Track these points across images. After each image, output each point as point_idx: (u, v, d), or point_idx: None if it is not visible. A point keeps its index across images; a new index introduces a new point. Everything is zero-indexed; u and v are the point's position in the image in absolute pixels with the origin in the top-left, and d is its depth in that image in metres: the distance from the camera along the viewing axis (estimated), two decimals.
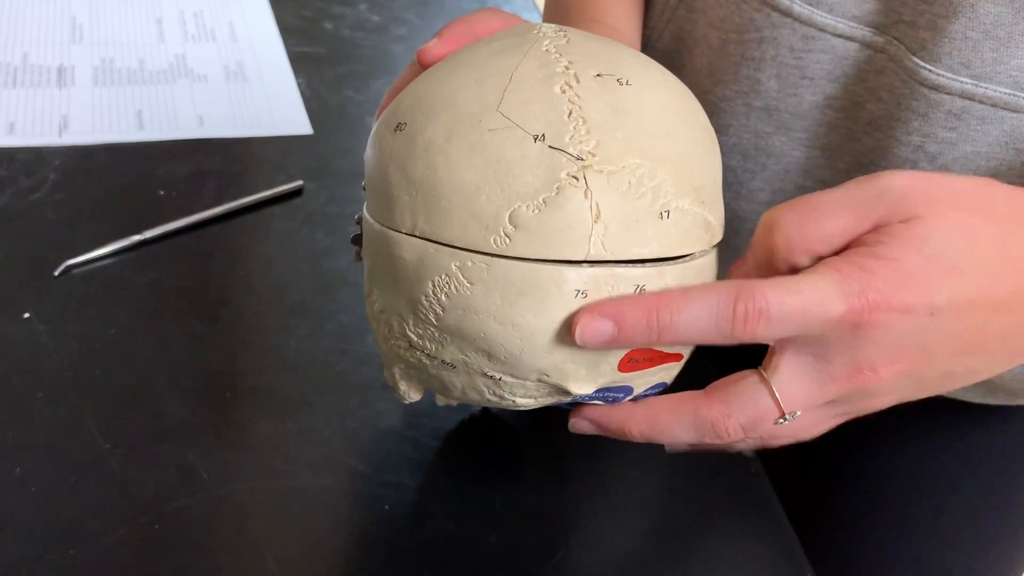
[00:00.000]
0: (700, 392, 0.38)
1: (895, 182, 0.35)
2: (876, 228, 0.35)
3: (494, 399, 0.39)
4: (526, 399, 0.39)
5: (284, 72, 0.79)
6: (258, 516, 0.47)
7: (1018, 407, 0.59)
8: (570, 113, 0.35)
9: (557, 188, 0.34)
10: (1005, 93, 0.45)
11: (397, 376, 0.42)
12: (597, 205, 0.34)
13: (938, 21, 0.45)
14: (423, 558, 0.46)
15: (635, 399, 0.40)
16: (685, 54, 0.58)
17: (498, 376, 0.37)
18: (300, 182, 0.67)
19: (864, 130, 0.50)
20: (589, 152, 0.34)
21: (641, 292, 0.35)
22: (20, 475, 0.46)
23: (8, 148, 0.66)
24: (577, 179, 0.34)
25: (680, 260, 0.36)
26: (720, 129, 0.55)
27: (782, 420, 0.37)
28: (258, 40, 0.83)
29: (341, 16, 0.88)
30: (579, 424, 0.41)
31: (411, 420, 0.52)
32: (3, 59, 0.75)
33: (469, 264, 0.35)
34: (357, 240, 0.43)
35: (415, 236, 0.36)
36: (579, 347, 0.35)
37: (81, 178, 0.65)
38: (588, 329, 0.34)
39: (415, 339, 0.38)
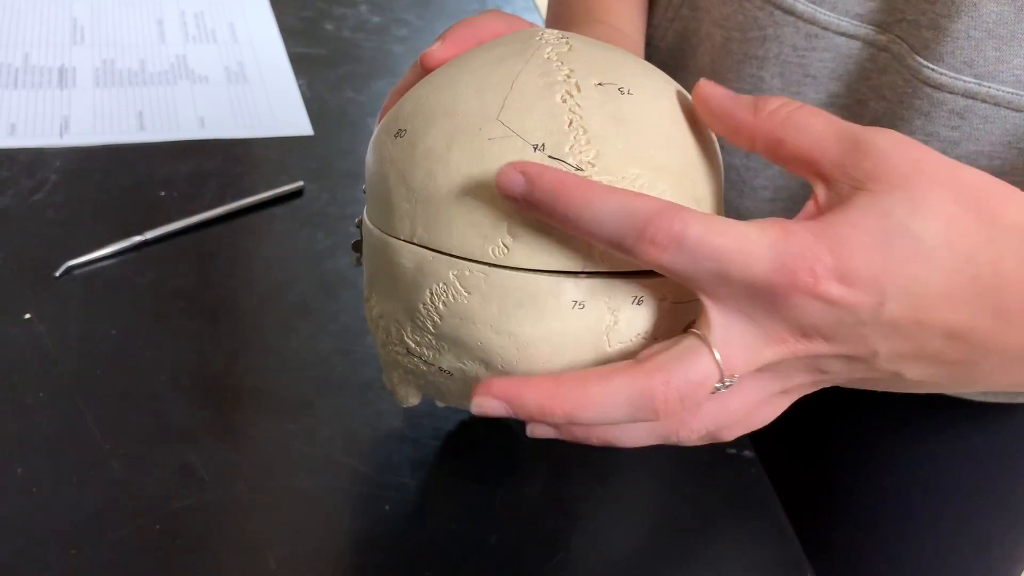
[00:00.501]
0: (631, 360, 0.34)
1: (886, 141, 0.32)
2: (849, 182, 0.32)
3: None
4: None
5: (285, 73, 0.80)
6: (259, 516, 0.47)
7: (1018, 405, 0.59)
8: (571, 123, 0.35)
9: None
10: (1008, 92, 0.45)
11: (395, 381, 0.42)
12: None
13: (940, 20, 0.45)
14: (424, 558, 0.46)
15: None
16: (689, 53, 0.58)
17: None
18: (301, 183, 0.67)
19: None
20: (589, 162, 0.34)
21: (640, 302, 0.35)
22: (21, 475, 0.46)
23: (9, 149, 0.66)
24: None
25: None
26: None
27: (721, 385, 0.33)
28: (259, 41, 0.83)
29: (342, 17, 0.88)
30: (538, 430, 0.35)
31: (412, 421, 0.52)
32: (4, 60, 0.75)
33: (467, 273, 0.35)
34: (358, 246, 0.43)
35: (414, 244, 0.36)
36: (576, 356, 0.35)
37: (82, 179, 0.65)
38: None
39: (413, 346, 0.38)
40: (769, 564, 0.49)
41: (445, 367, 0.38)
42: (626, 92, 0.36)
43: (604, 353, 0.35)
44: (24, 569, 0.43)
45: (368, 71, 0.81)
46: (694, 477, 0.52)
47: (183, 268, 0.59)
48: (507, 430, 0.53)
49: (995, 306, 0.31)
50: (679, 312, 0.36)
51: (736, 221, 0.31)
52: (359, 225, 0.41)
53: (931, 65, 0.46)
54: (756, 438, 0.49)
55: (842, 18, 0.48)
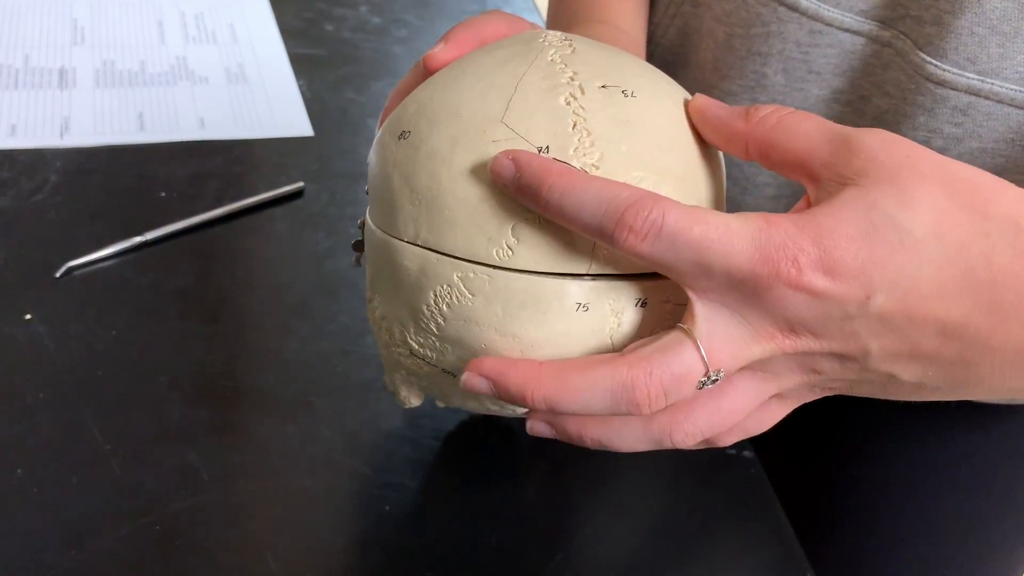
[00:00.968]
0: (616, 353, 0.34)
1: (876, 138, 0.31)
2: (839, 180, 0.31)
3: (495, 408, 0.39)
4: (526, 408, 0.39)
5: (285, 74, 0.80)
6: (259, 517, 0.47)
7: (1019, 406, 0.59)
8: (574, 125, 0.35)
9: None
10: (1011, 89, 0.45)
11: (398, 382, 0.42)
12: None
13: (944, 16, 0.45)
14: (423, 559, 0.46)
15: None
16: (690, 49, 0.58)
17: None
18: (301, 183, 0.67)
19: (870, 124, 0.50)
20: (592, 165, 0.34)
21: (643, 304, 0.35)
22: (21, 476, 0.46)
23: (9, 150, 0.66)
24: None
25: None
26: None
27: (706, 381, 0.32)
28: (259, 42, 0.83)
29: (342, 18, 0.88)
30: (537, 427, 0.36)
31: (412, 421, 0.52)
32: (5, 61, 0.75)
33: (471, 275, 0.35)
34: (359, 246, 0.43)
35: (417, 245, 0.36)
36: (581, 358, 0.35)
37: (82, 180, 0.65)
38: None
39: (416, 347, 0.38)
40: (769, 565, 0.49)
41: (448, 368, 0.38)
42: (630, 94, 0.36)
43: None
44: (24, 570, 0.43)
45: (368, 72, 0.81)
46: (694, 477, 0.52)
47: (183, 269, 0.59)
48: (507, 431, 0.53)
49: (989, 301, 0.31)
50: (681, 315, 0.36)
51: (719, 212, 0.31)
52: (361, 226, 0.41)
53: (934, 61, 0.46)
54: (756, 439, 0.49)
55: (846, 14, 0.48)
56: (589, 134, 0.35)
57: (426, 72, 0.41)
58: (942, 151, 0.47)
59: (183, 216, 0.62)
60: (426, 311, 0.36)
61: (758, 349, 0.32)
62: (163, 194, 0.64)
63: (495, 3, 0.96)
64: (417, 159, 0.36)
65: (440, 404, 0.45)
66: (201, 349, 0.54)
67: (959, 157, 0.47)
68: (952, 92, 0.46)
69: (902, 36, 0.47)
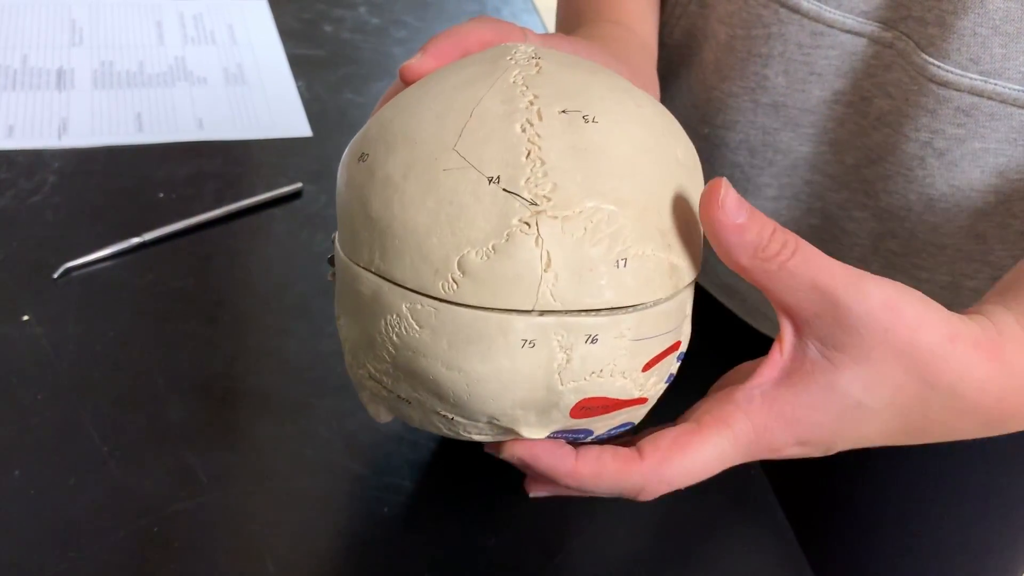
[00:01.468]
0: (633, 451, 0.38)
1: (863, 308, 0.34)
2: (817, 345, 0.36)
3: (450, 434, 0.39)
4: (481, 436, 0.38)
5: (284, 75, 0.79)
6: (257, 518, 0.46)
7: None
8: (528, 154, 0.34)
9: (507, 235, 0.33)
10: (1014, 89, 0.45)
11: (366, 400, 0.41)
12: (548, 253, 0.33)
13: (947, 17, 0.45)
14: (422, 560, 0.46)
15: (597, 440, 0.39)
16: (696, 49, 0.57)
17: (450, 416, 0.37)
18: (299, 184, 0.67)
19: (872, 126, 0.50)
20: (544, 196, 0.33)
21: (594, 340, 0.34)
22: (19, 477, 0.46)
23: (7, 151, 0.66)
24: (529, 225, 0.33)
25: (639, 308, 0.35)
26: (727, 125, 0.54)
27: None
28: (258, 43, 0.83)
29: (341, 19, 0.88)
30: (535, 488, 0.41)
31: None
32: (3, 62, 0.75)
33: (419, 307, 0.34)
34: (332, 261, 0.43)
35: (371, 272, 0.35)
36: (527, 394, 0.35)
37: (80, 180, 0.65)
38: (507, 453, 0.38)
39: (373, 371, 0.38)
40: (769, 566, 0.49)
41: (403, 395, 0.37)
42: (591, 120, 0.35)
43: (557, 391, 0.35)
44: (22, 571, 0.43)
45: (367, 73, 0.81)
46: None
47: (182, 269, 0.59)
48: None
49: (920, 431, 0.38)
50: (638, 349, 0.35)
51: (691, 447, 0.37)
52: (334, 241, 0.41)
53: (937, 62, 0.45)
54: None
55: (847, 15, 0.48)
56: (543, 163, 0.33)
57: (403, 83, 0.40)
58: (945, 152, 0.47)
59: (181, 217, 0.62)
60: (379, 339, 0.36)
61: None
62: (161, 195, 0.64)
63: (494, 4, 0.96)
64: (373, 184, 0.35)
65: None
66: (199, 350, 0.54)
67: (962, 158, 0.47)
68: (955, 93, 0.46)
69: (904, 37, 0.47)
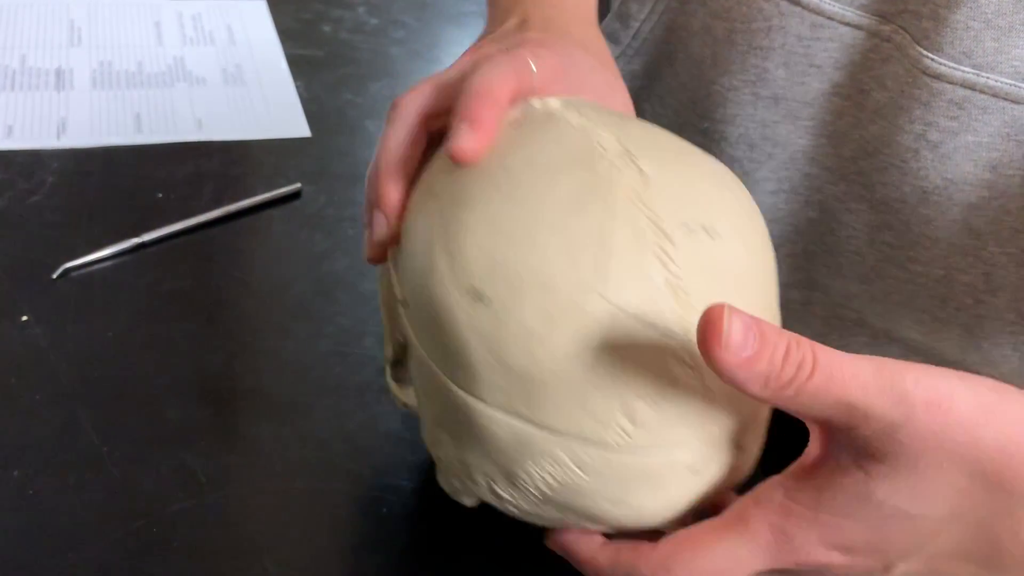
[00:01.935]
0: (651, 548, 0.36)
1: (899, 414, 0.30)
2: (850, 455, 0.32)
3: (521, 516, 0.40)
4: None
5: (282, 75, 0.79)
6: (256, 519, 0.46)
7: None
8: (671, 286, 0.33)
9: (672, 379, 0.33)
10: (1006, 83, 0.45)
11: (457, 488, 0.41)
12: (710, 390, 0.33)
13: (940, 10, 0.45)
14: (422, 561, 0.46)
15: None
16: (678, 46, 0.58)
17: (596, 527, 0.38)
18: (298, 185, 0.67)
19: (870, 118, 0.50)
20: (686, 326, 0.33)
21: (738, 446, 0.36)
22: (18, 478, 0.46)
23: (6, 151, 0.66)
24: (692, 368, 0.33)
25: None
26: (727, 119, 0.55)
27: None
28: (257, 43, 0.83)
29: (339, 19, 0.88)
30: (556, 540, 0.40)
31: (410, 423, 0.52)
32: (1, 62, 0.75)
33: (582, 455, 0.34)
34: (399, 371, 0.42)
35: (512, 415, 0.34)
36: (688, 510, 0.36)
37: (79, 181, 0.65)
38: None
39: (506, 496, 0.37)
40: None
41: (545, 516, 0.38)
42: (712, 232, 0.35)
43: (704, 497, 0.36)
44: (20, 572, 0.42)
45: (366, 73, 0.81)
46: None
47: (180, 270, 0.59)
48: None
49: (1020, 564, 0.33)
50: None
51: (714, 540, 0.34)
52: (395, 361, 0.42)
53: (931, 55, 0.46)
54: None
55: (847, 8, 0.49)
56: (687, 295, 0.33)
57: (455, 162, 0.37)
58: (938, 144, 0.47)
59: (180, 217, 0.62)
60: (524, 476, 0.35)
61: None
62: (160, 195, 0.64)
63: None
64: (506, 332, 0.33)
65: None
66: (198, 350, 0.54)
67: (955, 151, 0.47)
68: (948, 86, 0.46)
69: (900, 30, 0.47)
